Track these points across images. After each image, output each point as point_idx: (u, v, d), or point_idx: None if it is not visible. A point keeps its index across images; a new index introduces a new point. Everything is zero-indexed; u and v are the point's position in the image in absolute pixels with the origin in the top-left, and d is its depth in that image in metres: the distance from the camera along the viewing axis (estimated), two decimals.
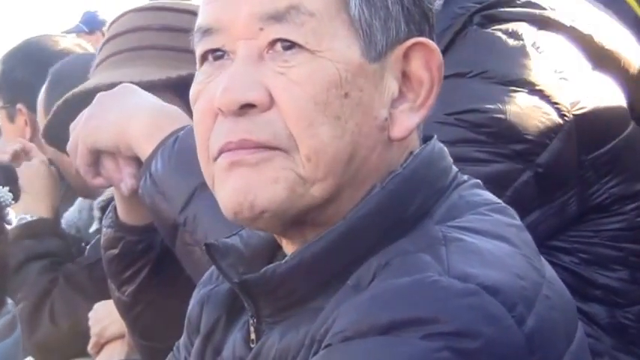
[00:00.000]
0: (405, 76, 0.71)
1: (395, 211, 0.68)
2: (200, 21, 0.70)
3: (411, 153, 0.71)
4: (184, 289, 0.97)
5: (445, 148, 0.73)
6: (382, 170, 0.70)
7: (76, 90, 1.27)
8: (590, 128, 1.01)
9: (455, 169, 0.73)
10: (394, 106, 0.70)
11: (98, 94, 1.06)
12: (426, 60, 0.70)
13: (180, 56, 1.21)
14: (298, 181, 0.67)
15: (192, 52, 0.74)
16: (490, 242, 0.66)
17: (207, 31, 0.70)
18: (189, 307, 0.86)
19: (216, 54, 0.70)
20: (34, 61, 2.00)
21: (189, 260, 1.01)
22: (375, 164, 0.70)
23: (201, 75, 0.71)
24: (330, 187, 0.68)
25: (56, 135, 1.35)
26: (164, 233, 1.06)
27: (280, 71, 0.68)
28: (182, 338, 0.88)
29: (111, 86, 1.12)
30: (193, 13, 0.96)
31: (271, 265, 0.69)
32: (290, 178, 0.67)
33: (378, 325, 0.59)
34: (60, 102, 1.30)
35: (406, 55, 0.71)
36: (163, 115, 1.06)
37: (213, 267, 0.81)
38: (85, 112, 1.05)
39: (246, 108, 0.66)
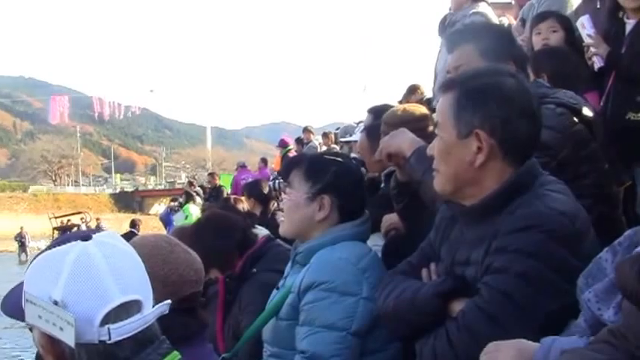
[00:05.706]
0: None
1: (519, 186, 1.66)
2: None
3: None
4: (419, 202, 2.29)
5: None
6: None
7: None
8: None
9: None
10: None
11: (391, 132, 2.38)
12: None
13: None
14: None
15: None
16: (559, 194, 1.64)
17: None
18: (437, 219, 1.86)
19: None
20: None
21: (422, 191, 2.16)
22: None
23: None
24: (452, 187, 1.69)
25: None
26: (414, 183, 2.18)
27: None
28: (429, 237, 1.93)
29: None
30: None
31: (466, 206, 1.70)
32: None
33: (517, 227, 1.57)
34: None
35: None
36: (415, 141, 2.22)
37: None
38: (385, 138, 2.37)
39: None
